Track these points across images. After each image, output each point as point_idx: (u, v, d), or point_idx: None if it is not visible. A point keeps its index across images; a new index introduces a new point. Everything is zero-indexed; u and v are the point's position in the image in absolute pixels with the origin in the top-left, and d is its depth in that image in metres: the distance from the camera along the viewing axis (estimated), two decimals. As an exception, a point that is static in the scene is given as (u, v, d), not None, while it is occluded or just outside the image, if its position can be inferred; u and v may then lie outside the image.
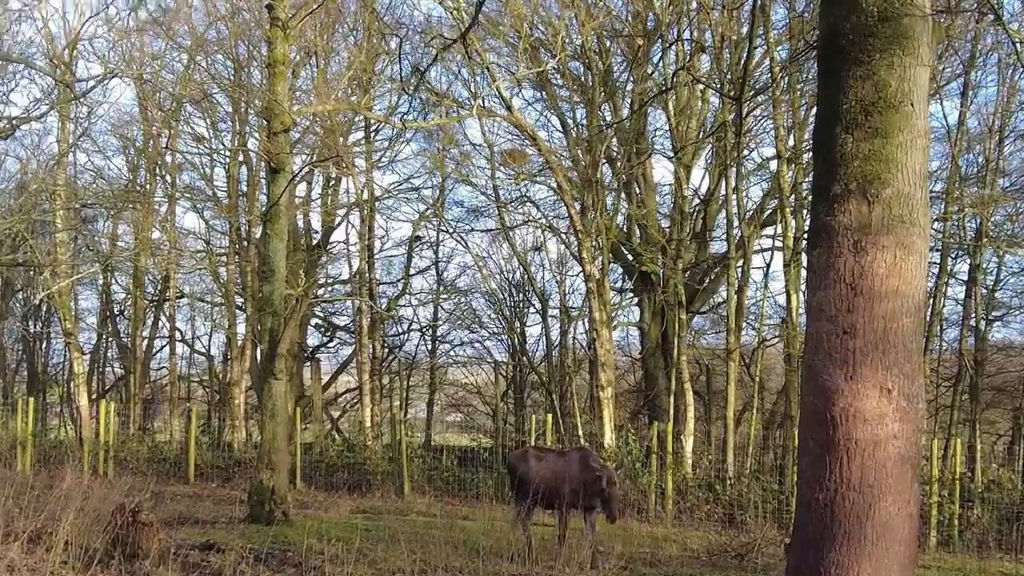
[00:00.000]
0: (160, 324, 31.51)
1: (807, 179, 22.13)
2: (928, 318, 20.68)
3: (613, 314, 25.50)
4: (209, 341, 33.70)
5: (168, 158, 28.69)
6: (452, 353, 33.89)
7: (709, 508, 19.47)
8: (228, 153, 27.69)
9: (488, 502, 20.02)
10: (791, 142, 22.44)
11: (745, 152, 24.38)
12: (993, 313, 24.71)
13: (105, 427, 23.92)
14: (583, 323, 29.49)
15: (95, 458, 23.41)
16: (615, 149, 25.32)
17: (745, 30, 21.68)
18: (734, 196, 22.98)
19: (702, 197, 26.40)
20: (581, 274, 24.24)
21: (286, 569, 10.24)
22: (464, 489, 21.39)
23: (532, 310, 31.85)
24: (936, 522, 17.73)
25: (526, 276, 29.89)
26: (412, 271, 31.17)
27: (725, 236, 23.71)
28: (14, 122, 27.22)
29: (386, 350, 31.14)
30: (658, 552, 13.61)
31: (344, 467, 22.89)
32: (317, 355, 32.21)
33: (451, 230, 30.24)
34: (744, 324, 24.51)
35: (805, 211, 21.87)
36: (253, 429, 27.25)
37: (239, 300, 28.52)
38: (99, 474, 21.80)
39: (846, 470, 6.17)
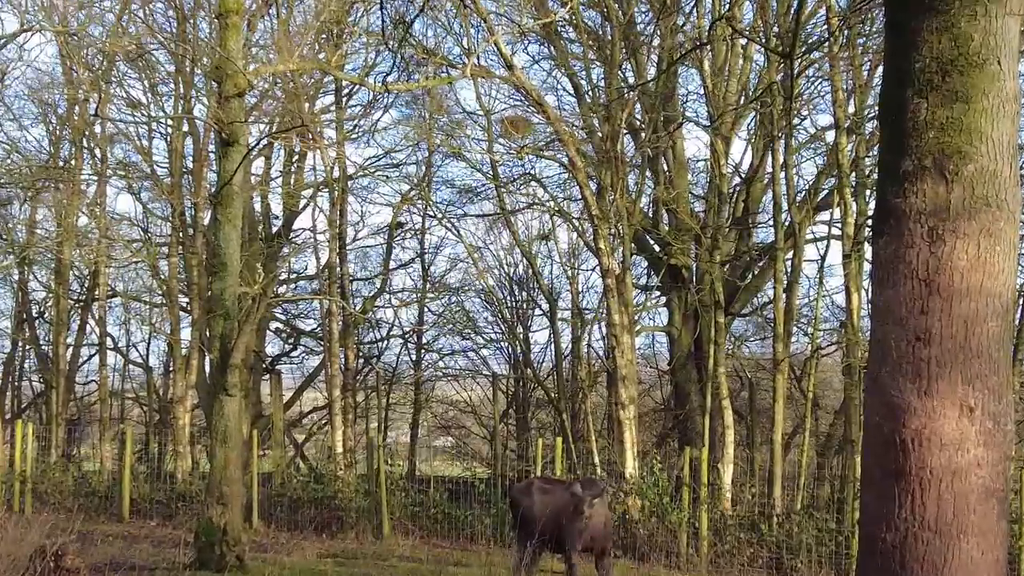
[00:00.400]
0: (88, 329, 31.48)
1: (871, 153, 22.12)
2: (1018, 322, 20.67)
3: (636, 317, 25.51)
4: (147, 350, 33.75)
5: (97, 128, 28.70)
6: (441, 364, 33.97)
7: (752, 551, 19.46)
8: (170, 122, 27.68)
9: (485, 544, 20.04)
10: (852, 108, 22.42)
11: (796, 121, 24.39)
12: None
13: (21, 453, 23.93)
14: (599, 328, 29.55)
15: (9, 491, 23.40)
16: (638, 117, 25.32)
17: (796, -28, 21.69)
18: (783, 174, 22.98)
19: (744, 175, 26.40)
20: (597, 268, 24.25)
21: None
22: (456, 529, 21.40)
23: (538, 312, 31.89)
24: (1027, 568, 17.74)
25: (530, 271, 29.91)
26: (392, 265, 31.26)
27: (772, 222, 23.73)
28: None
29: (361, 360, 31.17)
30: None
31: (310, 502, 22.89)
32: (278, 367, 32.24)
33: (440, 215, 30.24)
34: (795, 329, 24.52)
35: (869, 192, 21.86)
36: (201, 456, 27.24)
37: (183, 300, 28.52)
38: (13, 510, 21.80)
39: (919, 505, 6.16)
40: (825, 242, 26.03)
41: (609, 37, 23.95)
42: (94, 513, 22.90)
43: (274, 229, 30.16)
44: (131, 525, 22.04)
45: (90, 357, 32.34)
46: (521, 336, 31.03)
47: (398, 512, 21.93)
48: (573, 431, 26.24)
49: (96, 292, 29.52)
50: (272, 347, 32.88)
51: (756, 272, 26.76)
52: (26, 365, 34.00)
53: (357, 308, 28.87)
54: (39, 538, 11.14)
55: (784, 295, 22.75)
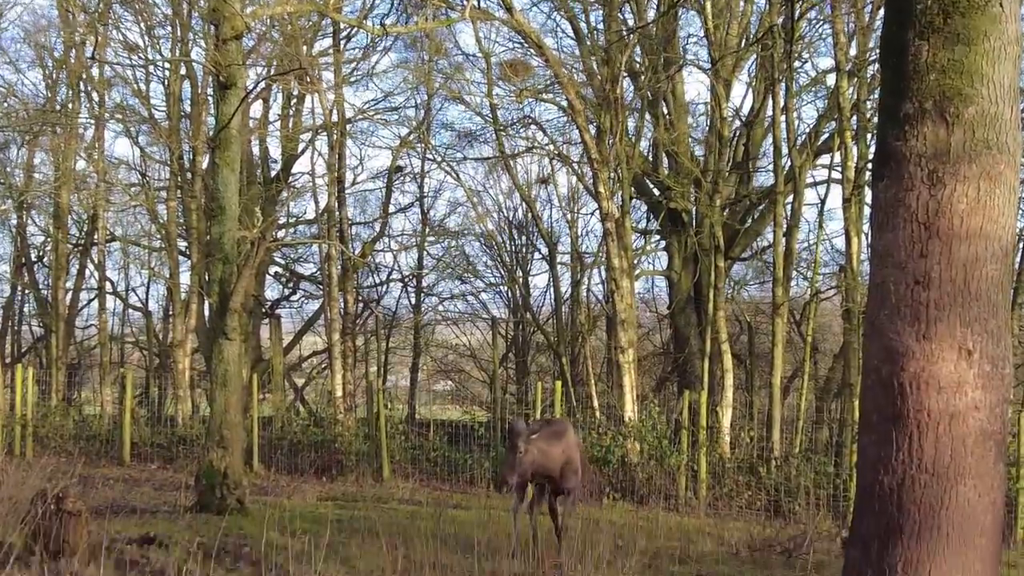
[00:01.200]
0: (87, 274, 31.50)
1: (872, 97, 22.02)
2: (1018, 266, 20.67)
3: (636, 261, 25.51)
4: (146, 294, 33.82)
5: (94, 71, 28.54)
6: (441, 308, 34.03)
7: (750, 495, 19.56)
8: (167, 65, 27.53)
9: (485, 487, 20.12)
10: (853, 51, 22.30)
11: (797, 64, 24.27)
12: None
13: (21, 398, 23.99)
14: (599, 272, 29.57)
15: (9, 435, 23.48)
16: (638, 60, 25.18)
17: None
18: (783, 117, 22.90)
19: (744, 119, 26.31)
20: (597, 212, 24.22)
21: (241, 567, 10.30)
22: (455, 472, 21.49)
23: (537, 256, 31.92)
24: (1024, 511, 17.83)
25: (530, 215, 29.89)
26: (392, 209, 31.20)
27: (772, 166, 23.68)
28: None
29: (360, 305, 31.18)
30: (689, 547, 13.67)
31: (310, 446, 22.97)
32: (277, 311, 32.27)
33: (439, 159, 30.16)
34: (794, 273, 24.54)
35: (870, 135, 21.78)
36: (201, 400, 27.34)
37: (182, 244, 28.50)
38: (15, 454, 21.89)
39: (917, 448, 6.18)
40: (825, 186, 26.05)
41: (609, -21, 23.80)
42: (95, 457, 22.97)
43: (273, 173, 30.08)
44: (132, 468, 22.12)
45: (89, 301, 32.41)
46: (520, 280, 31.06)
47: (398, 455, 22.03)
48: (572, 375, 26.32)
49: (95, 236, 29.50)
50: (271, 291, 32.94)
51: (756, 216, 26.74)
52: (25, 310, 34.09)
53: (356, 252, 28.84)
54: (40, 482, 11.19)
55: (784, 239, 22.74)
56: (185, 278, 27.86)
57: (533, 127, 27.77)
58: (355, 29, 26.73)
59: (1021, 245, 19.58)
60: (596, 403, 23.19)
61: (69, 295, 30.50)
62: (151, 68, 28.17)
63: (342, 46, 27.91)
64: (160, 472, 21.69)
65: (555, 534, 12.25)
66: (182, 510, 14.87)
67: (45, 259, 32.23)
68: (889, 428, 6.26)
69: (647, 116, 26.35)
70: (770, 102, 23.93)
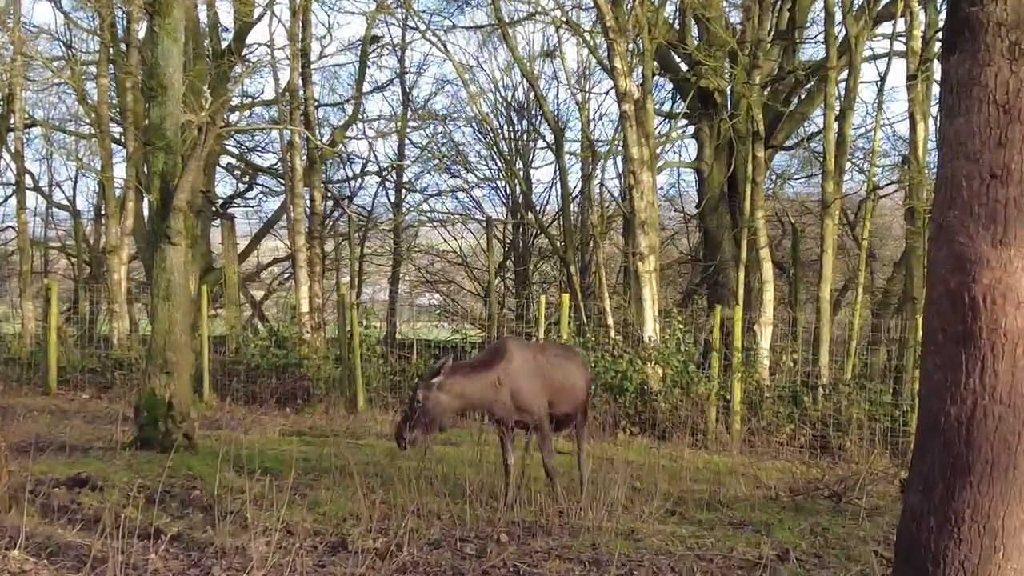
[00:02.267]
0: (2, 165, 31.47)
1: (944, -48, 21.84)
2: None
3: (658, 150, 25.45)
4: (74, 191, 33.97)
5: (7, -79, 28.24)
6: (425, 207, 34.03)
7: (793, 429, 19.70)
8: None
9: (478, 420, 20.22)
10: None
11: (854, -89, 24.01)
12: None
13: (-73, 314, 24.05)
14: (615, 164, 29.52)
15: (-86, 358, 23.60)
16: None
17: None
18: (837, -23, 22.72)
19: (790, -22, 26.11)
20: (612, 92, 24.10)
21: (191, 513, 10.38)
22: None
23: (541, 145, 31.86)
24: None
25: (532, 95, 29.74)
26: (367, 88, 31.05)
27: (823, 36, 23.51)
28: None
29: (330, 203, 31.17)
30: (720, 490, 13.79)
31: (271, 371, 23.09)
32: (230, 210, 32.26)
33: (423, 27, 29.93)
34: (848, 165, 24.48)
35: (940, 0, 21.65)
36: (140, 316, 27.40)
37: (116, 130, 28.39)
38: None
39: (990, 374, 6.19)
40: (886, 60, 25.86)
41: None
42: (15, 384, 23.10)
43: (224, 44, 29.87)
44: (59, 398, 22.22)
45: (6, 199, 32.49)
46: (521, 173, 31.02)
47: (375, 382, 22.13)
48: (582, 287, 26.38)
49: (11, 121, 29.31)
50: (224, 187, 32.95)
51: (803, 96, 26.62)
52: (-70, 209, 34.02)
53: (325, 140, 28.76)
54: (-51, 413, 11.26)
55: (836, 124, 22.64)
56: (120, 171, 27.80)
57: (536, -13, 27.54)
58: None
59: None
60: (610, 320, 23.26)
61: (-19, 191, 30.46)
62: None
63: None
64: (93, 402, 21.78)
65: (546, 474, 12.34)
66: (119, 446, 14.95)
67: (-48, 148, 32.11)
68: (958, 350, 6.26)
69: (673, -25, 26.18)
70: (821, -43, 23.74)
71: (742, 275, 23.66)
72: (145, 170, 20.16)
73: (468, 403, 11.94)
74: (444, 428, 12.00)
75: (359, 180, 33.08)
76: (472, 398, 11.81)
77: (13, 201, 30.81)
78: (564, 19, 27.09)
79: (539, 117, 30.49)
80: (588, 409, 13.23)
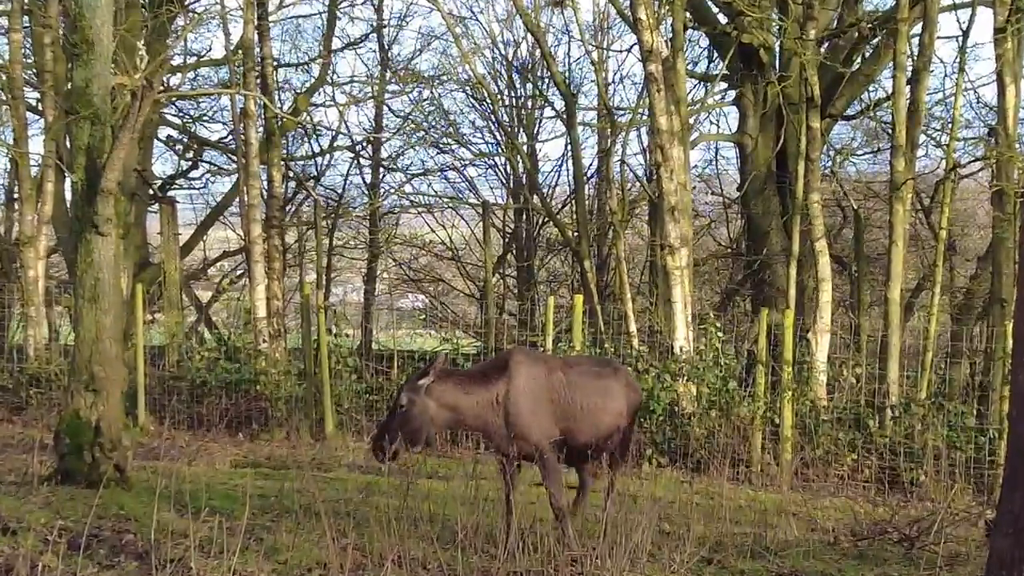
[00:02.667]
0: None
1: None
2: None
3: (692, 120, 25.46)
4: (-20, 169, 33.75)
5: None
6: (408, 189, 34.03)
7: (855, 459, 19.71)
8: None
9: (471, 449, 20.27)
10: None
11: None
12: None
13: None
14: (639, 136, 29.54)
15: None
16: None
17: None
18: (909, -92, 22.75)
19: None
20: (636, 49, 24.12)
21: (123, 562, 10.37)
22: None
23: (549, 114, 31.88)
24: None
25: (538, 53, 29.75)
26: (337, 44, 31.07)
27: (891, -19, 23.53)
28: None
29: (292, 184, 31.19)
30: (767, 533, 13.81)
31: (221, 388, 23.11)
32: (171, 193, 32.27)
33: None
34: (922, 137, 24.48)
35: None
36: (62, 322, 27.38)
37: (31, 96, 28.41)
38: None
39: (1096, 392, 6.20)
40: (969, 10, 25.84)
41: None
42: (-91, 404, 23.16)
43: (163, -8, 29.91)
44: (-37, 421, 22.29)
45: (-102, 179, 32.36)
46: (525, 148, 31.04)
47: (347, 403, 22.17)
48: (599, 286, 26.40)
49: (-96, 84, 29.40)
50: (163, 164, 32.98)
51: (867, 55, 26.63)
52: None
53: (286, 107, 28.78)
54: None
55: (907, 88, 22.63)
56: (36, 145, 27.81)
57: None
58: None
59: None
60: (633, 327, 23.28)
61: None
62: None
63: None
64: (3, 427, 21.81)
65: (555, 515, 12.34)
66: (36, 481, 14.97)
67: None
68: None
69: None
70: None
71: (794, 272, 23.64)
72: (67, 144, 20.22)
73: (458, 420, 11.99)
74: (431, 443, 12.04)
75: (327, 157, 33.12)
76: (464, 415, 11.86)
77: (-94, 182, 30.89)
78: (577, -40, 27.15)
79: (547, 80, 30.54)
80: (629, 439, 13.15)
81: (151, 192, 30.89)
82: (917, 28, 23.40)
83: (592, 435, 12.36)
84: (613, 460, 12.73)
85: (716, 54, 28.04)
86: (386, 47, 31.42)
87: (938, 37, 24.71)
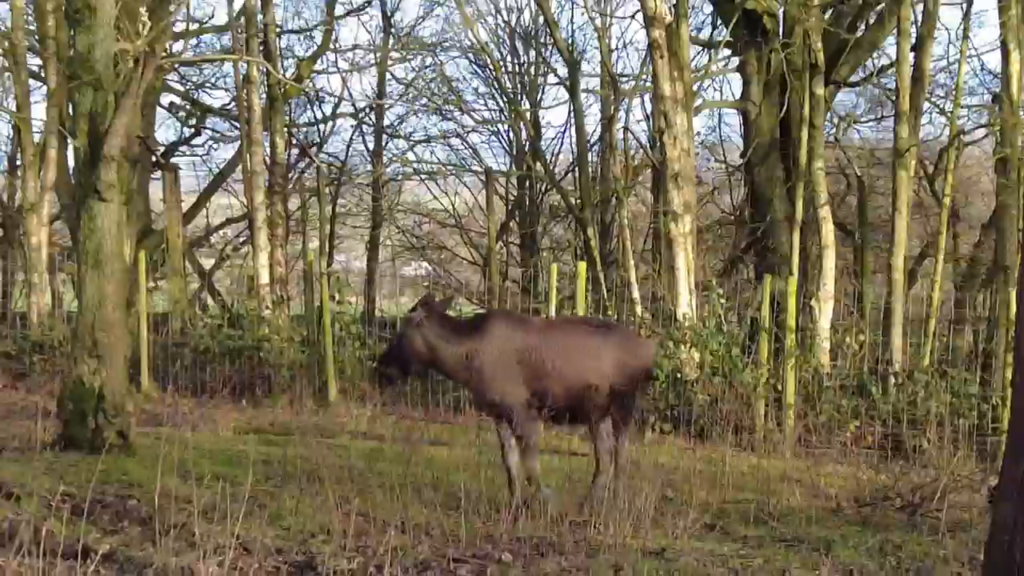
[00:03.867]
0: None
1: None
2: None
3: (696, 87, 25.41)
4: (-18, 136, 33.68)
5: None
6: (411, 156, 34.00)
7: (858, 426, 19.70)
8: None
9: (474, 415, 20.24)
10: None
11: None
12: None
13: None
14: (642, 103, 29.48)
15: None
16: None
17: None
18: None
19: None
20: (639, 15, 24.06)
21: (126, 528, 10.38)
22: (431, 393, 21.60)
23: (552, 81, 31.80)
24: None
25: (541, 19, 29.69)
26: (340, 11, 31.01)
27: (895, -53, 23.48)
28: None
29: (295, 151, 31.15)
30: (770, 500, 13.81)
31: (224, 355, 23.10)
32: (174, 159, 32.23)
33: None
34: (926, 104, 24.44)
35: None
36: (65, 289, 27.38)
37: (34, 63, 28.36)
38: None
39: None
40: (973, -24, 25.81)
41: None
42: (-88, 372, 23.16)
43: (165, -44, 29.83)
44: (-34, 388, 22.29)
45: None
46: (528, 115, 30.98)
47: (349, 369, 22.16)
48: (602, 253, 26.38)
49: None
50: (166, 131, 33.05)
51: (872, 21, 26.55)
52: None
53: (289, 74, 28.73)
54: None
55: (912, 55, 22.59)
56: (39, 111, 27.76)
57: None
58: None
59: None
60: (636, 294, 23.27)
61: None
62: None
63: None
64: (7, 393, 21.81)
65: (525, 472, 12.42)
66: (39, 447, 14.97)
67: None
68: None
69: None
70: None
71: (797, 239, 23.61)
72: (70, 111, 20.13)
73: (437, 363, 12.30)
74: (420, 375, 12.43)
75: (330, 124, 33.08)
76: (440, 361, 12.22)
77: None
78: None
79: (550, 46, 30.48)
80: (630, 404, 13.07)
81: (154, 159, 30.86)
82: (923, -7, 23.36)
83: (567, 395, 12.40)
84: (616, 426, 12.71)
85: (720, 20, 27.95)
86: (389, 13, 31.45)
87: (942, 3, 24.74)
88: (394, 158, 33.57)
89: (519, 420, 12.16)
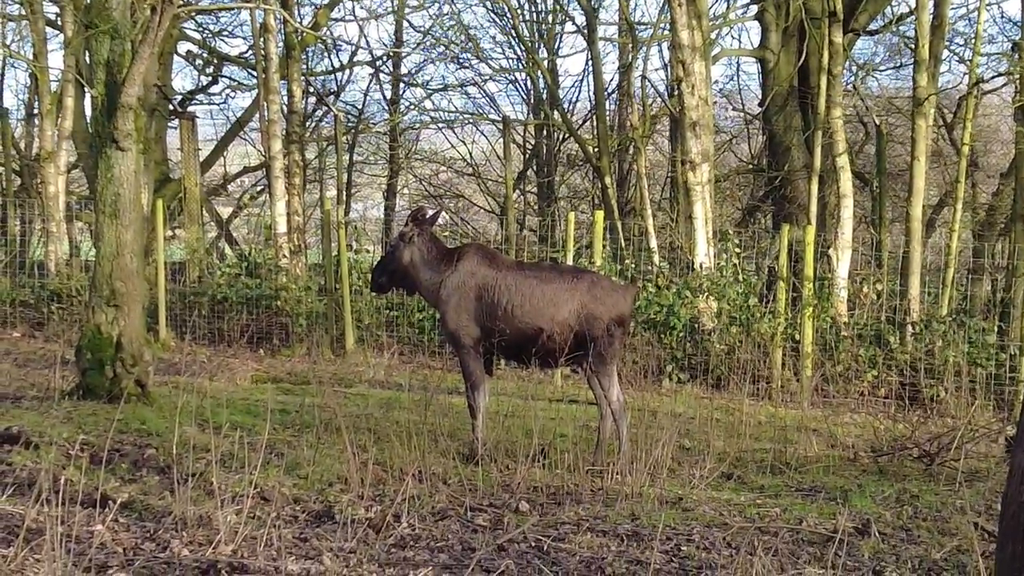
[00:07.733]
0: (-88, 53, 31.43)
1: None
2: None
3: (714, 35, 25.32)
4: (0, 84, 33.69)
5: None
6: (428, 105, 33.94)
7: (876, 376, 19.70)
8: None
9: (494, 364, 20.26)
10: None
11: None
12: None
13: None
14: (660, 52, 29.39)
15: None
16: None
17: None
18: None
19: None
20: (657, -37, 23.94)
21: (144, 476, 10.41)
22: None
23: (570, 29, 31.73)
24: None
25: (559, -34, 29.59)
26: (356, -42, 30.89)
27: None
28: None
29: (312, 100, 31.12)
30: (787, 450, 13.82)
31: (242, 304, 23.12)
32: (191, 108, 32.21)
33: None
34: (945, 53, 24.34)
35: None
36: (83, 238, 27.42)
37: (51, 11, 28.33)
38: None
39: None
40: (995, -77, 25.66)
41: None
42: (-70, 320, 23.20)
43: (181, -96, 29.75)
44: (-15, 337, 22.34)
45: (-83, 95, 32.32)
46: (545, 64, 30.90)
47: (367, 319, 22.17)
48: (620, 202, 26.35)
49: (-79, -1, 29.33)
50: (183, 80, 33.00)
51: (891, -32, 26.46)
52: None
53: (306, 22, 28.67)
54: None
55: (931, 2, 22.50)
56: (56, 60, 27.76)
57: None
58: None
59: None
60: (654, 243, 23.26)
61: None
62: None
63: None
64: (25, 342, 21.86)
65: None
66: (57, 396, 15.00)
67: None
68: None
69: None
70: None
71: (815, 188, 23.55)
72: (87, 59, 20.08)
73: (415, 284, 12.59)
74: (407, 291, 13.28)
75: (347, 72, 33.00)
76: (419, 283, 12.63)
77: (-74, 97, 30.84)
78: None
79: (567, -6, 30.37)
80: (604, 352, 13.00)
81: (171, 107, 30.84)
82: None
83: (517, 337, 12.49)
84: (595, 372, 12.65)
85: (738, -32, 27.88)
86: (406, -39, 31.23)
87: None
88: (411, 106, 33.50)
89: (464, 355, 12.43)
